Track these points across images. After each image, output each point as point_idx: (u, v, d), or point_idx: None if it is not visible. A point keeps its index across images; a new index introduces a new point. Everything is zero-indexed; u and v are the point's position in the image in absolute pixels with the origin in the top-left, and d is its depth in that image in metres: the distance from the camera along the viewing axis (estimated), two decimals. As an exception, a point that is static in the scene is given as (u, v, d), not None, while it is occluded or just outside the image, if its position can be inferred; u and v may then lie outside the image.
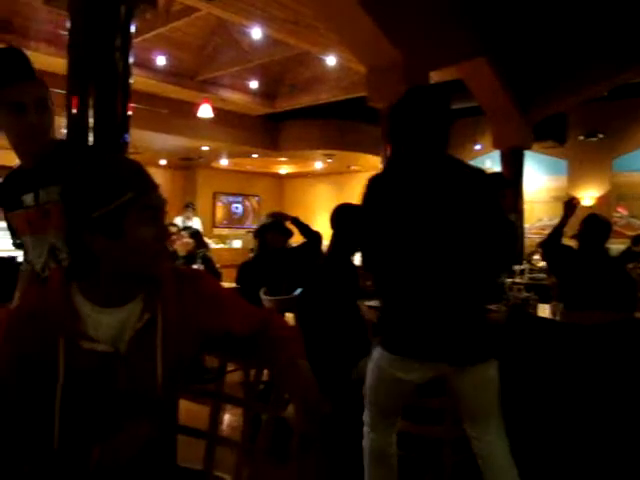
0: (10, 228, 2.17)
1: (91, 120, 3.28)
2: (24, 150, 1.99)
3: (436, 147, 2.25)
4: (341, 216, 3.59)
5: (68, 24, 3.50)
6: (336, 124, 12.62)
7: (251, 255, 5.24)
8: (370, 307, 3.01)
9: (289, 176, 17.36)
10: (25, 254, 2.18)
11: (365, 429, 2.46)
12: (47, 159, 1.97)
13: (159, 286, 1.40)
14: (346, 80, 10.12)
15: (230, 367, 1.81)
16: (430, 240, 2.19)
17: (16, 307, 1.38)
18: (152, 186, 1.35)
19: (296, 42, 8.12)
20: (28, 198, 2.02)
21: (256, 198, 16.93)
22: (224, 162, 14.75)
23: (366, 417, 2.45)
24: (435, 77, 7.11)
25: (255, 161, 14.65)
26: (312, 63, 10.25)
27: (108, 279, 1.34)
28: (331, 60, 9.03)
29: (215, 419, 1.75)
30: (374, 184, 2.37)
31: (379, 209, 2.31)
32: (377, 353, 2.33)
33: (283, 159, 14.62)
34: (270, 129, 12.96)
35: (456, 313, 2.21)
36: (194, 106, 10.02)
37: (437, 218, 2.19)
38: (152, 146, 12.00)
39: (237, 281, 4.99)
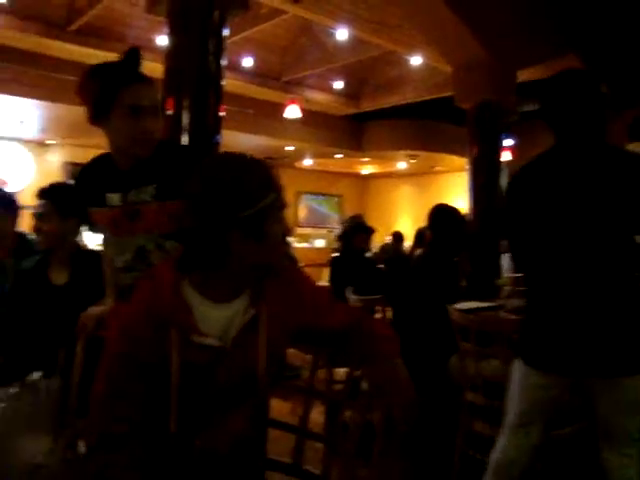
0: (89, 223, 2.15)
1: (186, 121, 3.40)
2: (131, 153, 1.92)
3: (597, 134, 2.06)
4: (440, 216, 3.58)
5: (166, 29, 3.64)
6: (420, 124, 12.50)
7: (336, 255, 5.25)
8: (460, 310, 2.98)
9: (372, 176, 17.33)
10: (105, 246, 2.18)
11: (499, 438, 2.31)
12: (141, 160, 1.92)
13: (264, 283, 1.43)
14: (431, 80, 10.01)
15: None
16: (587, 238, 2.01)
17: (130, 302, 1.43)
18: (281, 185, 1.39)
19: (381, 42, 8.10)
20: (115, 197, 1.96)
21: (338, 198, 17.00)
22: (307, 162, 14.89)
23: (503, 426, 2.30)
24: (522, 76, 6.94)
25: (338, 161, 14.71)
26: (397, 63, 10.20)
27: (226, 275, 1.37)
28: (416, 60, 8.96)
29: (306, 414, 1.78)
30: (523, 176, 2.22)
31: (530, 202, 2.15)
32: (518, 364, 2.20)
33: (366, 159, 14.62)
34: (354, 129, 12.99)
35: (610, 321, 2.01)
36: (279, 106, 10.18)
37: (599, 212, 1.99)
38: (238, 146, 12.26)
39: (330, 277, 5.02)
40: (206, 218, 1.30)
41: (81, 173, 2.11)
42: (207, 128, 3.47)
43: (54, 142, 12.25)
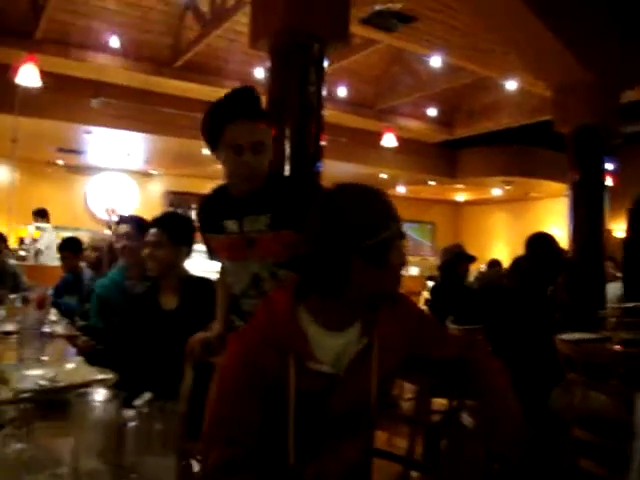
0: (207, 246, 2.24)
1: (288, 150, 3.49)
2: (239, 185, 2.03)
3: None
4: (537, 244, 3.48)
5: (266, 63, 3.78)
6: (515, 150, 12.24)
7: (435, 283, 5.21)
8: (563, 340, 2.87)
9: (465, 203, 17.07)
10: (221, 273, 2.29)
11: None
12: (256, 189, 2.00)
13: (376, 311, 1.45)
14: (527, 104, 9.81)
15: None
16: None
17: (247, 329, 1.48)
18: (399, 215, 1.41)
19: (475, 68, 8.05)
20: (231, 225, 2.04)
21: (431, 225, 16.84)
22: (401, 189, 14.86)
23: None
24: (626, 97, 6.66)
25: (431, 188, 14.60)
26: (491, 88, 10.08)
27: (342, 302, 1.39)
28: (511, 84, 8.82)
29: (412, 443, 1.77)
30: None
31: None
32: None
33: (460, 186, 14.43)
34: (447, 156, 12.89)
35: None
36: (373, 135, 10.27)
37: None
38: (332, 174, 12.38)
39: (430, 307, 4.99)
40: (329, 246, 1.32)
41: (203, 201, 2.22)
42: (308, 157, 3.55)
43: (156, 172, 12.87)
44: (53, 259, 8.97)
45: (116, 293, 3.15)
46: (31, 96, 7.40)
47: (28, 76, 6.41)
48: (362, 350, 1.42)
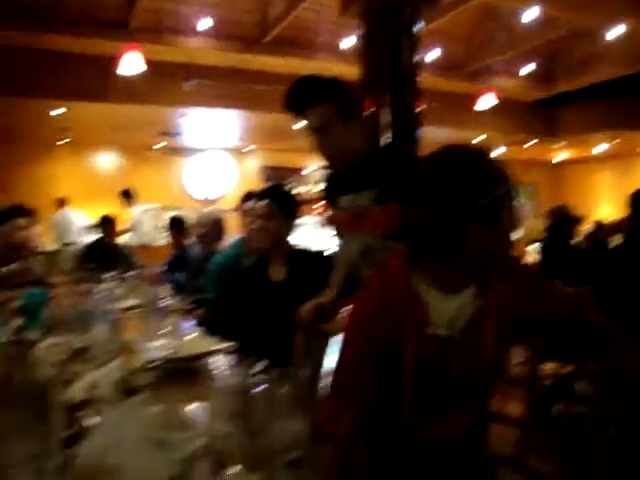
0: (330, 218, 2.39)
1: (386, 118, 3.46)
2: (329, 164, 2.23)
3: None
4: None
5: (358, 31, 3.75)
6: (621, 102, 11.51)
7: (543, 246, 5.06)
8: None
9: (566, 162, 16.32)
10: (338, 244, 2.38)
11: None
12: (362, 164, 2.12)
13: (491, 273, 1.43)
14: (632, 53, 9.19)
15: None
16: None
17: (362, 298, 1.51)
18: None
19: (574, 17, 7.60)
20: (343, 200, 2.20)
21: (531, 187, 16.24)
22: (498, 152, 14.40)
23: None
24: None
25: (530, 149, 14.04)
26: (591, 38, 9.50)
27: (457, 265, 1.39)
28: (613, 33, 8.27)
29: (530, 408, 1.74)
30: None
31: None
32: None
33: (560, 145, 13.80)
34: (546, 114, 12.33)
35: None
36: (465, 97, 9.98)
37: None
38: (425, 140, 12.19)
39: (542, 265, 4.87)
40: (445, 208, 1.32)
41: (327, 178, 2.38)
42: (407, 124, 3.52)
43: (252, 148, 13.11)
44: (153, 239, 9.44)
45: (233, 266, 3.26)
46: (129, 84, 7.71)
47: (131, 64, 6.68)
48: (477, 312, 1.41)
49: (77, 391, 1.48)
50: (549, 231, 4.95)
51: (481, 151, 1.39)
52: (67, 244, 9.20)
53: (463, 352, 1.41)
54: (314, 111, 2.08)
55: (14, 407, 1.02)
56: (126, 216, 9.30)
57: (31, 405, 1.05)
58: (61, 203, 10.02)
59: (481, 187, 1.30)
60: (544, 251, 4.96)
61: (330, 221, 2.35)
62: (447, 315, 1.41)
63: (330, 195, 2.30)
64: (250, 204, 3.28)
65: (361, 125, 2.16)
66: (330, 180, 2.34)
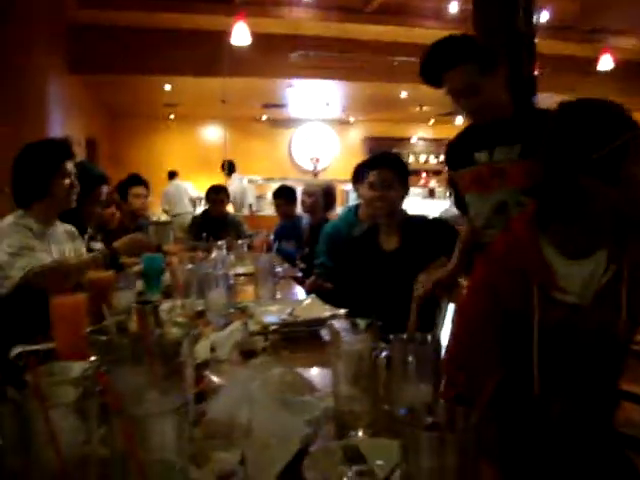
0: (454, 187, 2.35)
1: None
2: (476, 121, 2.20)
3: None
4: None
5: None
6: None
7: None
8: None
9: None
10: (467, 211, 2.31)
11: None
12: (505, 120, 2.08)
13: (624, 237, 1.34)
14: None
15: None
16: None
17: (489, 255, 1.46)
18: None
19: None
20: (482, 156, 2.14)
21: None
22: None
23: None
24: None
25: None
26: None
27: (584, 227, 1.32)
28: None
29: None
30: None
31: None
32: None
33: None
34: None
35: None
36: (581, 60, 9.43)
37: None
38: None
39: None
40: (557, 162, 1.26)
41: (452, 140, 2.35)
42: (523, 89, 3.35)
43: (355, 119, 13.07)
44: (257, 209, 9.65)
45: (344, 235, 3.28)
46: (237, 57, 7.83)
47: (240, 36, 6.79)
48: (611, 279, 1.32)
49: (201, 351, 1.52)
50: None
51: (606, 102, 1.30)
52: (178, 214, 9.57)
53: (594, 321, 1.33)
54: (457, 73, 2.03)
55: (147, 364, 1.05)
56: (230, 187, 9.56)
57: (162, 362, 1.08)
58: (172, 175, 10.42)
59: (593, 139, 1.22)
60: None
61: (460, 185, 2.27)
62: (577, 282, 1.34)
63: (458, 158, 2.24)
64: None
65: (502, 76, 2.11)
66: (457, 143, 2.30)
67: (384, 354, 1.16)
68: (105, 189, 3.39)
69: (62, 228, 2.59)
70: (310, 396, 1.18)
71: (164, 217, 9.61)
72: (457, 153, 2.27)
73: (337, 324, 1.22)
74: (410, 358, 1.10)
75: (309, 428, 0.95)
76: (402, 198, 2.64)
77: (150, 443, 0.76)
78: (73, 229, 2.69)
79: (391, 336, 1.15)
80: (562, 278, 1.33)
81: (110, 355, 1.24)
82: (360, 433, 1.11)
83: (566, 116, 1.30)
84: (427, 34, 7.63)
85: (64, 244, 2.55)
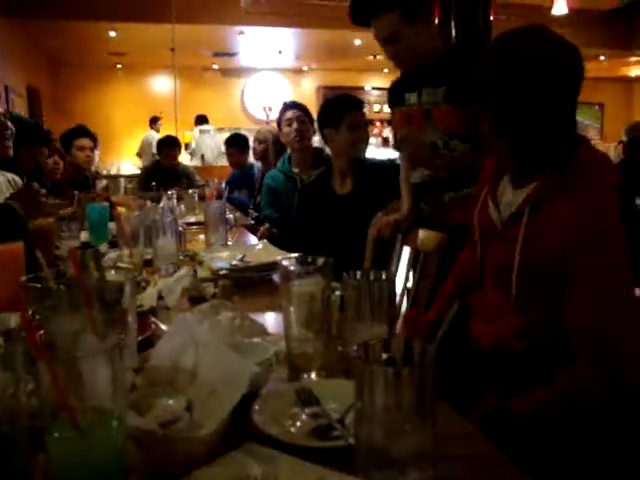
0: (392, 125, 2.42)
1: (452, 31, 3.28)
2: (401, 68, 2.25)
3: None
4: None
5: None
6: None
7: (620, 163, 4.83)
8: None
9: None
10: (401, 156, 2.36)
11: None
12: (431, 64, 2.08)
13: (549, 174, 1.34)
14: None
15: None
16: None
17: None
18: None
19: None
20: (411, 97, 2.16)
21: (599, 106, 15.42)
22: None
23: None
24: None
25: (600, 64, 13.24)
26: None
27: (524, 162, 1.37)
28: None
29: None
30: None
31: None
32: None
33: (635, 59, 12.94)
34: (621, 24, 11.50)
35: None
36: (530, 8, 9.37)
37: None
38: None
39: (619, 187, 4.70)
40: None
41: (395, 80, 2.36)
42: (478, 35, 3.30)
43: (308, 68, 12.82)
44: (216, 159, 9.50)
45: (284, 182, 3.22)
46: (186, 3, 7.54)
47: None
48: (518, 208, 1.37)
49: (148, 299, 1.46)
50: (628, 147, 4.68)
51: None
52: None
53: (500, 246, 1.36)
54: (380, 21, 2.05)
55: (85, 311, 0.98)
56: (186, 139, 9.35)
57: (102, 309, 1.01)
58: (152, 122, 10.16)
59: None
60: (623, 167, 4.71)
61: (396, 122, 2.31)
62: (503, 206, 1.39)
63: (395, 96, 2.26)
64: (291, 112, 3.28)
65: (429, 24, 2.17)
66: (397, 82, 2.31)
67: (337, 293, 1.12)
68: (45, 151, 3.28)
69: (3, 177, 2.46)
70: (261, 339, 1.13)
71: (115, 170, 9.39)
72: (394, 93, 2.30)
73: (289, 265, 1.16)
74: (364, 296, 1.06)
75: (257, 369, 0.90)
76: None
77: (82, 390, 0.69)
78: (16, 178, 2.57)
79: (344, 274, 1.10)
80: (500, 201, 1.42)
81: (46, 303, 1.17)
82: (313, 375, 1.07)
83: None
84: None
85: (5, 193, 2.43)
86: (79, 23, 8.52)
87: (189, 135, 10.50)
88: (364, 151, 2.68)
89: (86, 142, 4.27)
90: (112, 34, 9.23)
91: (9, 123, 2.36)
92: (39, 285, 1.30)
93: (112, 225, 2.45)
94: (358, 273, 1.11)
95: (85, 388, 0.69)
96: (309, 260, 1.13)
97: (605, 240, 1.20)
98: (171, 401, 0.89)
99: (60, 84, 11.23)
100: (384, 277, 1.08)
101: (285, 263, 1.14)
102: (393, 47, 2.09)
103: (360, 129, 2.63)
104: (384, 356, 0.74)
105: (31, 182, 2.59)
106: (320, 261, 1.11)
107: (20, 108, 7.81)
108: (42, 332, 0.96)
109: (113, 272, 1.30)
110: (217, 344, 0.93)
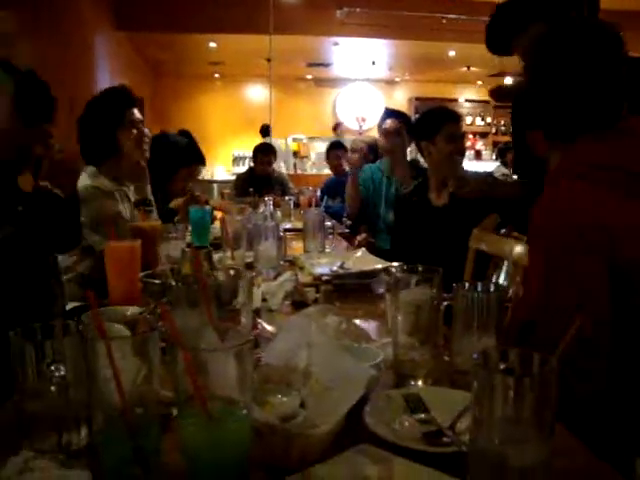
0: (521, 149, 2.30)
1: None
2: None
3: None
4: None
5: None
6: None
7: None
8: None
9: None
10: None
11: None
12: None
13: None
14: None
15: None
16: None
17: None
18: None
19: None
20: None
21: None
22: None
23: None
24: None
25: None
26: None
27: None
28: None
29: None
30: None
31: None
32: None
33: None
34: None
35: None
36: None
37: None
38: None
39: None
40: None
41: None
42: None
43: (400, 79, 12.81)
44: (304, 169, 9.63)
45: (380, 177, 3.28)
46: (282, 14, 7.72)
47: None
48: None
49: (253, 300, 1.51)
50: None
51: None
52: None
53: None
54: (522, 38, 1.83)
55: (203, 307, 1.04)
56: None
57: (218, 306, 1.07)
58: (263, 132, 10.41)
59: None
60: None
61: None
62: None
63: None
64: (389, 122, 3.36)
65: None
66: None
67: (445, 304, 1.13)
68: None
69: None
70: (370, 344, 1.16)
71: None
72: None
73: (398, 273, 1.18)
74: (473, 307, 1.06)
75: (375, 372, 0.92)
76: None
77: (212, 380, 0.74)
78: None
79: (454, 285, 1.11)
80: None
81: (164, 298, 1.24)
82: (419, 382, 1.08)
83: None
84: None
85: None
86: (182, 35, 8.90)
87: (283, 143, 10.68)
88: (460, 163, 2.65)
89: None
90: (212, 45, 9.57)
91: (147, 130, 2.47)
92: (158, 281, 1.39)
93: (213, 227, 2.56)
94: (467, 284, 1.12)
95: (216, 379, 0.74)
96: (418, 269, 1.15)
97: None
98: (285, 399, 0.93)
99: (160, 92, 11.73)
100: (493, 289, 1.08)
101: (395, 271, 1.16)
102: None
103: (457, 141, 2.62)
104: (501, 365, 0.75)
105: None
106: (430, 271, 1.13)
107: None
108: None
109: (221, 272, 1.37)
110: (331, 346, 0.97)
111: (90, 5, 6.88)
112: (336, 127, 11.73)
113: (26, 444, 0.86)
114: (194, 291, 1.10)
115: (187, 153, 3.38)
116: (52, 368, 0.87)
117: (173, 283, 1.21)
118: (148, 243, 1.87)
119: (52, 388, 0.87)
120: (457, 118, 2.70)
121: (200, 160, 3.59)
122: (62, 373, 0.87)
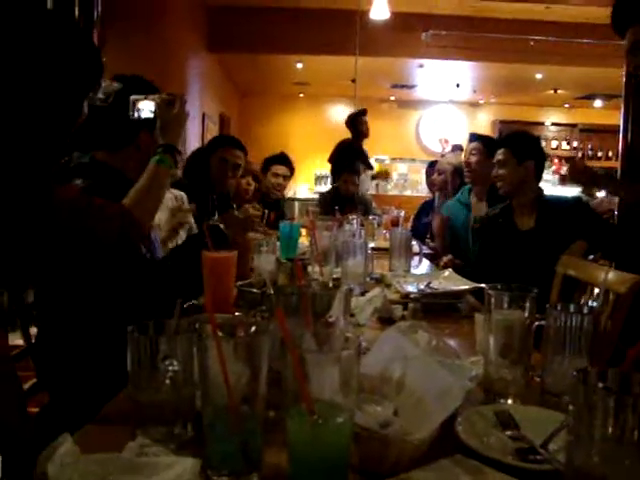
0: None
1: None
2: None
3: None
4: None
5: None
6: None
7: None
8: None
9: None
10: None
11: None
12: None
13: None
14: None
15: None
16: None
17: None
18: None
19: None
20: None
21: None
22: None
23: None
24: None
25: None
26: None
27: None
28: None
29: None
30: None
31: None
32: None
33: None
34: None
35: None
36: None
37: None
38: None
39: None
40: None
41: None
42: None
43: (484, 101, 12.68)
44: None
45: (457, 211, 3.27)
46: (369, 36, 7.83)
47: (379, 10, 6.88)
48: None
49: (344, 313, 1.56)
50: None
51: None
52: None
53: None
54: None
55: (302, 316, 1.09)
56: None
57: (315, 316, 1.12)
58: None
59: None
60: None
61: None
62: None
63: None
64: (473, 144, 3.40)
65: None
66: None
67: (536, 324, 1.14)
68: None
69: (170, 194, 2.67)
70: (462, 360, 1.18)
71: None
72: None
73: (492, 293, 1.20)
74: (565, 329, 1.07)
75: (471, 385, 0.95)
76: (525, 175, 2.57)
77: (319, 383, 0.79)
78: (182, 194, 2.82)
79: (547, 306, 1.12)
80: None
81: (260, 307, 1.31)
82: (509, 401, 1.10)
83: None
84: (567, 12, 7.27)
85: (170, 207, 2.66)
86: (270, 56, 9.17)
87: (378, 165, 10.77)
88: (502, 188, 2.67)
89: (282, 170, 4.64)
90: (299, 66, 9.80)
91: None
92: (256, 290, 1.46)
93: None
94: (559, 305, 1.13)
95: (322, 382, 0.79)
96: (512, 288, 1.17)
97: None
98: (379, 408, 0.97)
99: (246, 112, 12.09)
100: (587, 311, 1.09)
101: (490, 291, 1.18)
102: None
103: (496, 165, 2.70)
104: (600, 385, 0.76)
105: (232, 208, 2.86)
106: (524, 290, 1.15)
107: (212, 133, 8.56)
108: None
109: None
110: (426, 359, 1.00)
111: (189, 27, 7.22)
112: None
113: (139, 433, 0.93)
114: (292, 300, 1.16)
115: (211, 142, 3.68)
116: (166, 363, 0.95)
117: (272, 292, 1.27)
118: (242, 256, 1.96)
119: (167, 382, 0.94)
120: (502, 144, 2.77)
121: (226, 143, 3.74)
122: (175, 368, 0.94)
